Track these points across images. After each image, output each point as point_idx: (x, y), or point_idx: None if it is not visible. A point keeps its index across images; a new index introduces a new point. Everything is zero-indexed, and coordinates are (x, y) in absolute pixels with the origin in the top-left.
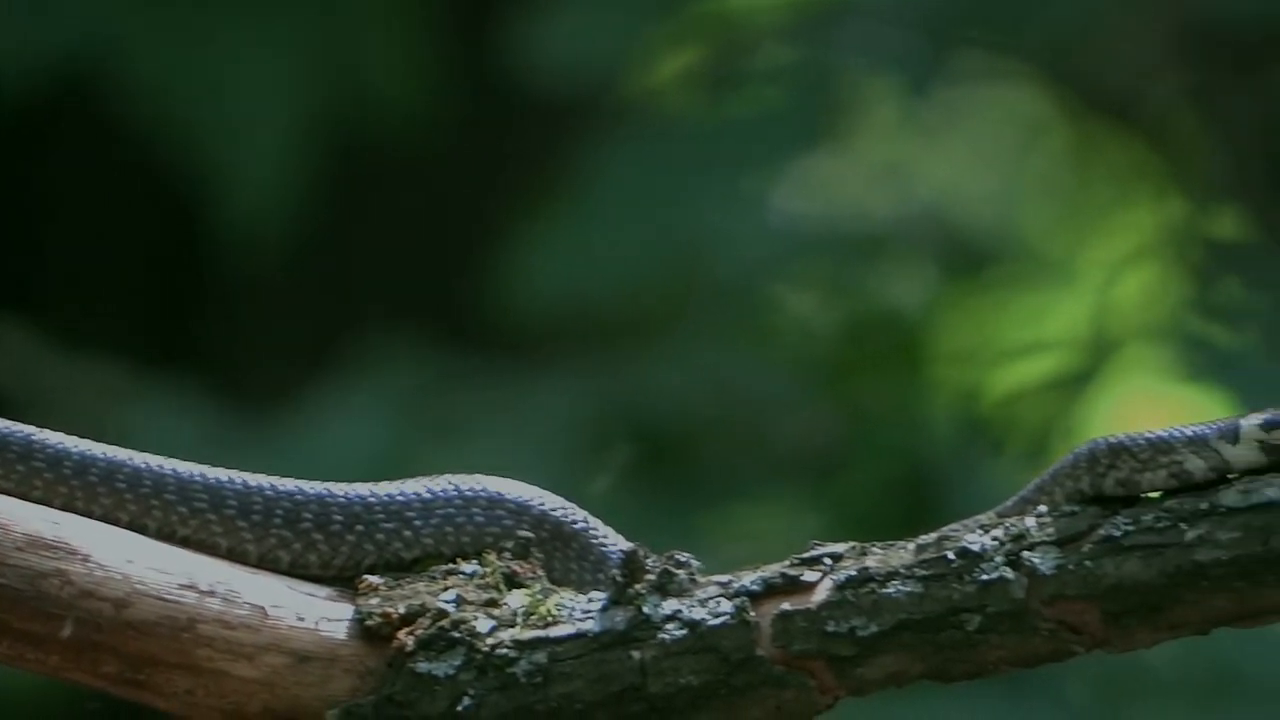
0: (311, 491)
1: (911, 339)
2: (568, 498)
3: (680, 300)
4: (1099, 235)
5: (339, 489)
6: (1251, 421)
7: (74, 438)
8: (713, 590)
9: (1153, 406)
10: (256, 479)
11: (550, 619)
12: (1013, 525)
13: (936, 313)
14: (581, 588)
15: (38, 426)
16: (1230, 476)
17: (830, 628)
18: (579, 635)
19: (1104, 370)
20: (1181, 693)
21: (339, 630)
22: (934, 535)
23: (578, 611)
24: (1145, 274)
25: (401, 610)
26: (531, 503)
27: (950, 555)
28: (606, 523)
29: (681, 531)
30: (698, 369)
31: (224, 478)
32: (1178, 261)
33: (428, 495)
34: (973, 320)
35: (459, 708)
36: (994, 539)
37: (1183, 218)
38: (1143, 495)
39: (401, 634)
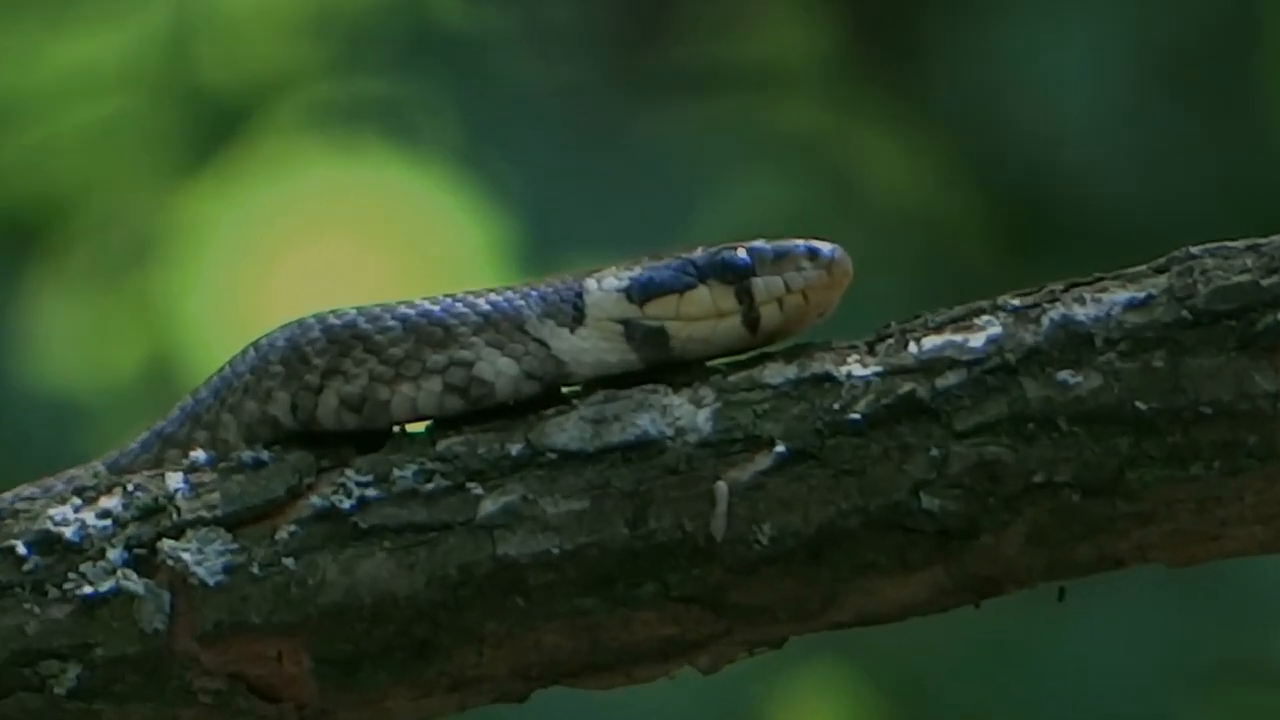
0: None
1: None
2: None
3: None
4: None
5: None
6: (608, 285)
7: None
8: None
9: (319, 211)
10: None
11: None
12: (143, 489)
13: None
14: None
15: None
16: (569, 390)
17: None
18: None
19: (216, 141)
20: None
21: None
22: None
23: None
24: None
25: None
26: None
27: (20, 547)
28: None
29: None
30: None
31: None
32: None
33: None
34: None
35: None
36: (102, 518)
37: None
38: (398, 426)
39: None
